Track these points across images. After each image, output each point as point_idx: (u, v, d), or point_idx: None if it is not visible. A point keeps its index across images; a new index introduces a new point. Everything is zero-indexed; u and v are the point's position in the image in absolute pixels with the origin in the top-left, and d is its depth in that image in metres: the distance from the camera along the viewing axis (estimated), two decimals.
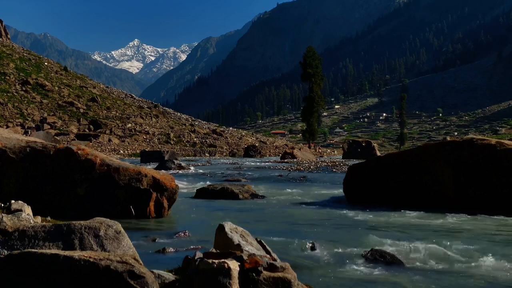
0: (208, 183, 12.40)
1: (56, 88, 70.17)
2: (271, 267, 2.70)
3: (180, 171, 19.15)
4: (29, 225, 3.46)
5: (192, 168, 21.64)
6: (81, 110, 64.35)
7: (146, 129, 61.75)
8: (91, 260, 2.65)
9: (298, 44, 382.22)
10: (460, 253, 4.49)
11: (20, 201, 4.64)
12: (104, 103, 71.20)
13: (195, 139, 61.49)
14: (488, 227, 6.13)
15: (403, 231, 5.80)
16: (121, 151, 45.69)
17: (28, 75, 70.16)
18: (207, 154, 49.56)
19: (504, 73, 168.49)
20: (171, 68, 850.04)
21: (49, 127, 55.01)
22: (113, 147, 47.52)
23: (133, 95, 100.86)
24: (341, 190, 9.48)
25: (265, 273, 2.67)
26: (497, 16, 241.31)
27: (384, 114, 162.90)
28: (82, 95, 71.31)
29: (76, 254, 2.71)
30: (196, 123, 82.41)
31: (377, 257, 4.17)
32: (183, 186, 11.23)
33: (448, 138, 12.74)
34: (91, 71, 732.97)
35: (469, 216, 6.89)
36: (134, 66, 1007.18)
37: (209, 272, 2.61)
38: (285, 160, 30.70)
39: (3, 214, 3.56)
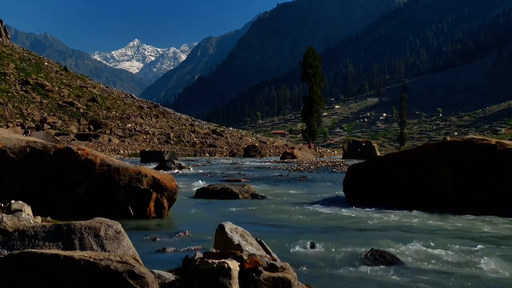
0: (208, 183, 12.40)
1: (56, 88, 70.18)
2: (271, 267, 2.70)
3: (180, 171, 19.14)
4: (29, 225, 3.46)
5: (192, 168, 21.63)
6: (81, 110, 64.35)
7: (146, 129, 61.76)
8: (91, 260, 2.65)
9: (298, 44, 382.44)
10: (460, 253, 4.49)
11: (20, 201, 4.64)
12: (104, 103, 71.20)
13: (195, 139, 61.49)
14: (488, 227, 6.13)
15: (403, 231, 5.80)
16: (121, 151, 45.69)
17: (28, 75, 70.16)
18: (207, 154, 49.56)
19: (504, 73, 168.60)
20: (171, 68, 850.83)
21: (49, 127, 55.01)
22: (113, 147, 47.53)
23: (133, 95, 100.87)
24: (341, 190, 9.47)
25: (265, 273, 2.67)
26: (497, 16, 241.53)
27: (384, 114, 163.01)
28: (82, 95, 71.32)
29: (76, 254, 2.71)
30: (196, 123, 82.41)
31: (377, 257, 4.17)
32: (183, 186, 11.23)
33: (448, 138, 12.74)
34: (91, 71, 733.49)
35: (469, 216, 6.89)
36: (134, 66, 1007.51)
37: (209, 272, 2.61)
38: (285, 160, 30.69)
39: (3, 214, 3.56)
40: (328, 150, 72.16)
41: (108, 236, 3.33)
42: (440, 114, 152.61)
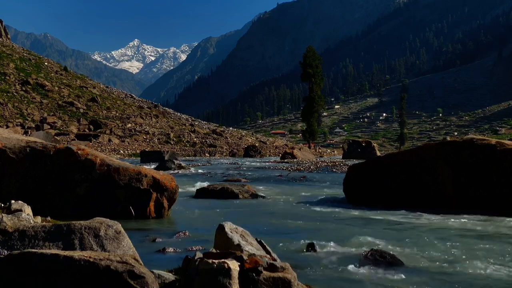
0: (208, 183, 12.40)
1: (56, 88, 70.18)
2: (271, 267, 2.70)
3: (180, 171, 19.15)
4: (29, 225, 3.46)
5: (192, 168, 21.64)
6: (81, 110, 64.36)
7: (146, 129, 61.76)
8: (91, 260, 2.65)
9: (298, 44, 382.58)
10: (460, 253, 4.49)
11: (20, 201, 4.64)
12: (104, 103, 71.21)
13: (195, 139, 61.49)
14: (488, 227, 6.13)
15: (403, 231, 5.80)
16: (121, 151, 45.68)
17: (28, 75, 70.17)
18: (207, 154, 49.56)
19: (504, 73, 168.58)
20: (171, 68, 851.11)
21: (49, 127, 55.01)
22: (113, 147, 47.52)
23: (133, 95, 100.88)
24: (341, 190, 9.48)
25: (265, 273, 2.67)
26: (497, 16, 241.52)
27: (384, 114, 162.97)
28: (82, 95, 71.32)
29: (76, 254, 2.71)
30: (196, 123, 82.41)
31: (377, 257, 4.17)
32: (183, 186, 11.23)
33: (448, 138, 12.74)
34: (91, 71, 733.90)
35: (469, 216, 6.88)
36: (134, 66, 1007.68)
37: (209, 272, 2.61)
38: (285, 160, 30.69)
39: (3, 214, 3.56)
40: (328, 150, 72.13)
41: (108, 236, 3.33)
42: (440, 114, 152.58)
